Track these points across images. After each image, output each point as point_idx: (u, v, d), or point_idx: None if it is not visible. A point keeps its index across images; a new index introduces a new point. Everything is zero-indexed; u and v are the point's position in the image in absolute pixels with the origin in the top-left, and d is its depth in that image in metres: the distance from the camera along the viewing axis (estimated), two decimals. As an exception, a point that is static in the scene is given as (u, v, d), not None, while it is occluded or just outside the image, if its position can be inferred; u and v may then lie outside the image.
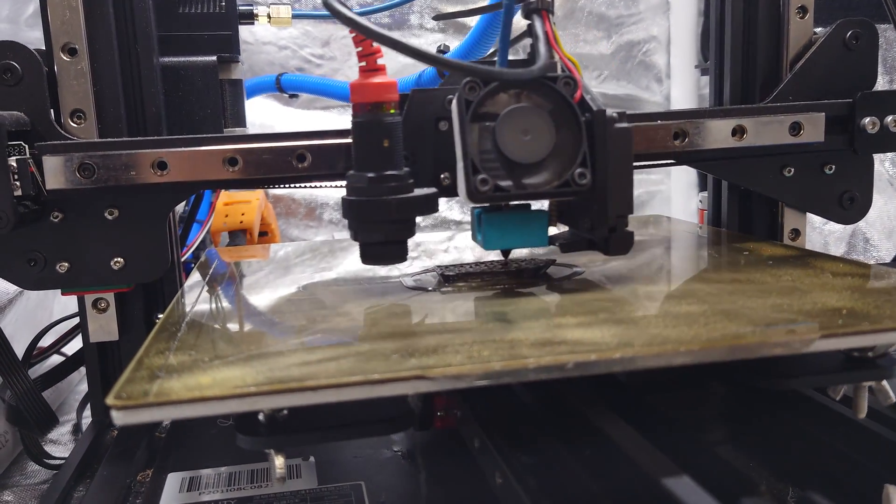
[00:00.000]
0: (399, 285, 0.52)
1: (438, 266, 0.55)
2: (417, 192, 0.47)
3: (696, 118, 0.57)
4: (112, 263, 0.54)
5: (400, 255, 0.48)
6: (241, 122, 0.65)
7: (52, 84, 0.53)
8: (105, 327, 0.57)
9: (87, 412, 0.74)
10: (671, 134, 0.57)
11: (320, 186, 0.57)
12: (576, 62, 0.50)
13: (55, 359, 0.70)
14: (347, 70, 1.09)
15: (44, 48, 0.54)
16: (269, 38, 1.07)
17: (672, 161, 0.60)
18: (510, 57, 0.50)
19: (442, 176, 0.51)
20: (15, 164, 0.48)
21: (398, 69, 0.98)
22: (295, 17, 0.68)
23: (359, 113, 0.46)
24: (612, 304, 0.44)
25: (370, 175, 0.46)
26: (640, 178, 1.38)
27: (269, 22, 0.68)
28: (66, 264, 0.54)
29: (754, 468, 0.44)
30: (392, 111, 0.46)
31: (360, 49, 0.45)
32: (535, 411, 0.49)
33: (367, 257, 0.48)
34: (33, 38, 0.92)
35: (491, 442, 0.43)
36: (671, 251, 0.65)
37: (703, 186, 1.28)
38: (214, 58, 0.61)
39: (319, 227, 1.23)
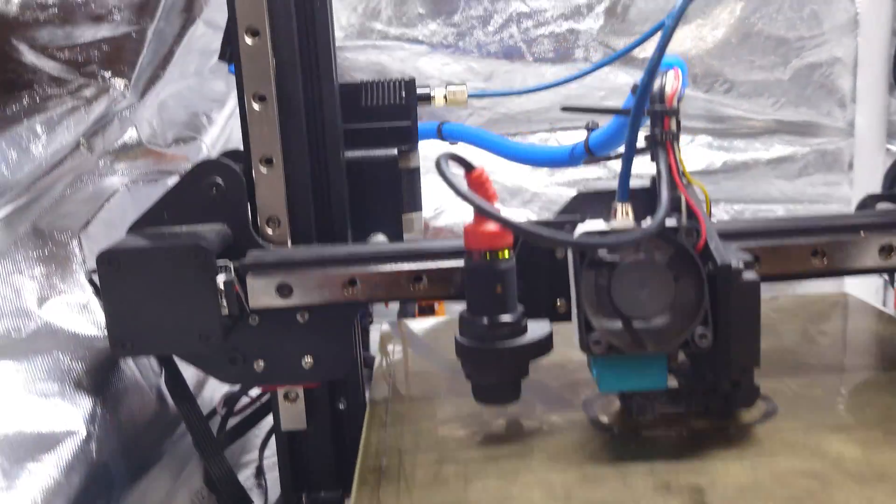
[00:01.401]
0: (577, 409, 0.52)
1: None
2: (530, 332, 0.48)
3: (836, 234, 0.53)
4: (303, 362, 0.57)
5: (513, 395, 0.50)
6: (418, 206, 0.66)
7: (249, 192, 0.56)
8: (295, 417, 0.60)
9: (269, 451, 0.80)
10: (809, 252, 0.53)
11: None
12: (704, 189, 0.48)
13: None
14: (509, 103, 1.09)
15: (237, 102, 0.56)
16: (432, 72, 1.08)
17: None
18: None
19: (558, 303, 0.52)
20: (222, 287, 0.52)
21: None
22: (471, 96, 0.68)
23: (472, 259, 0.48)
24: (822, 487, 0.41)
25: (483, 321, 0.47)
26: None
27: (446, 102, 0.68)
28: (262, 363, 0.57)
29: None
30: (506, 255, 0.47)
31: None
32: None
33: (479, 397, 0.50)
34: (216, 88, 0.97)
35: None
36: (882, 360, 0.59)
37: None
38: (395, 151, 0.62)
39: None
